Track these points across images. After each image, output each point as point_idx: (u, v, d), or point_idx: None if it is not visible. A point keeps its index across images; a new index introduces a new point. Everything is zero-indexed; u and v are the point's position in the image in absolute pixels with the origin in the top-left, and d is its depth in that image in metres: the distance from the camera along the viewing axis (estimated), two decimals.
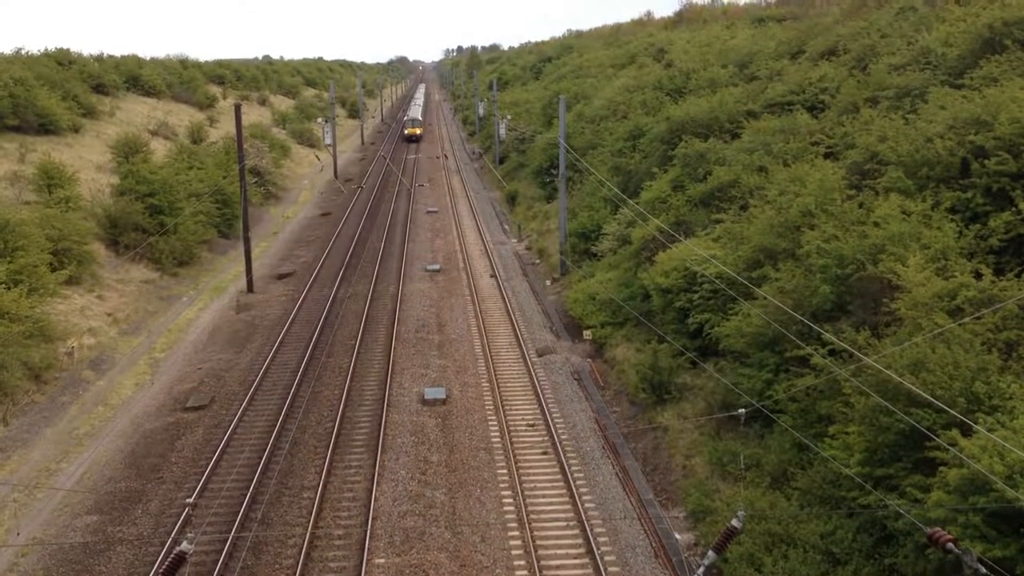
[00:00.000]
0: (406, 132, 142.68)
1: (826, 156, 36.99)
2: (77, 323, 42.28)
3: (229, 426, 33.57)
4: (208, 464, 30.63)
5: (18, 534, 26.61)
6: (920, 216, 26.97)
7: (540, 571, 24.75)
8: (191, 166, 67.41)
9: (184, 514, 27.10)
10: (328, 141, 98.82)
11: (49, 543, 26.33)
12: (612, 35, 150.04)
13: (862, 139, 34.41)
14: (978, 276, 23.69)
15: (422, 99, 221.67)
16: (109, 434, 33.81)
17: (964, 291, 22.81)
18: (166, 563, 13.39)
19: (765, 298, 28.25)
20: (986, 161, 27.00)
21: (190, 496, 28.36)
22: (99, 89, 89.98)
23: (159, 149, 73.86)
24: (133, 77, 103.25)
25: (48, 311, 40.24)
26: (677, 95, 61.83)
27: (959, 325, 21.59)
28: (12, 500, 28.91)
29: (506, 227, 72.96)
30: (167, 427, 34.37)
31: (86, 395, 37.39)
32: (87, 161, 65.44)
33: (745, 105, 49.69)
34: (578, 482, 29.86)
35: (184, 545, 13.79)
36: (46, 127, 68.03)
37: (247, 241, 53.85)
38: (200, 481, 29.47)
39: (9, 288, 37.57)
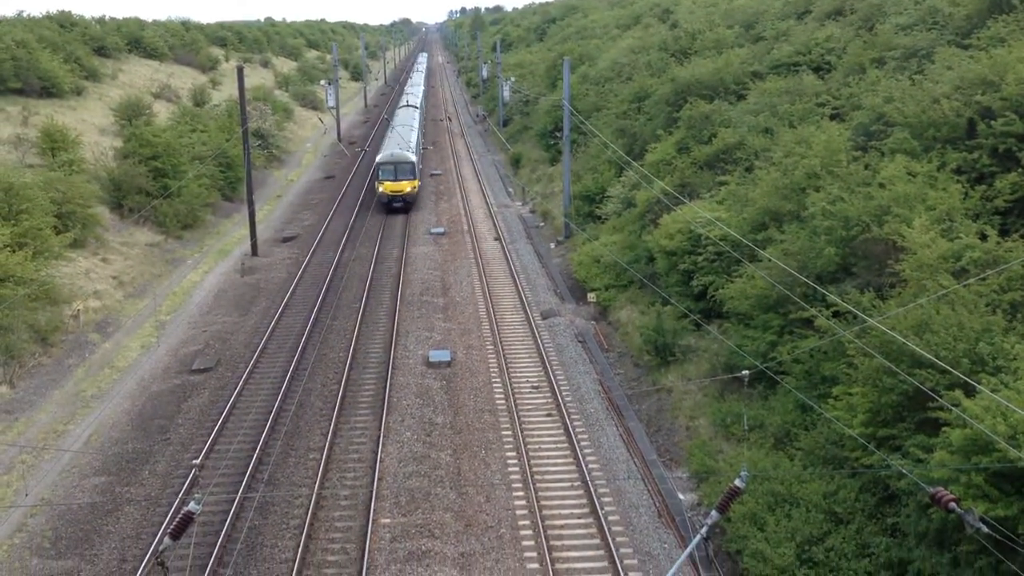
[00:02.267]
0: (382, 189, 63.79)
1: (832, 117, 36.80)
2: (82, 286, 42.36)
3: (235, 388, 33.73)
4: (214, 426, 30.81)
5: (26, 495, 26.83)
6: (926, 177, 26.87)
7: (544, 531, 24.95)
8: (194, 129, 67.24)
9: (191, 475, 27.33)
10: (331, 103, 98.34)
11: (57, 504, 26.56)
12: None
13: (868, 100, 34.21)
14: (983, 237, 23.63)
15: (422, 83, 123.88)
16: (116, 396, 34.00)
17: (969, 252, 22.77)
18: (174, 523, 13.49)
19: (770, 260, 28.23)
20: (992, 122, 26.85)
21: (197, 457, 28.56)
22: (101, 52, 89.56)
23: (162, 112, 73.64)
24: (135, 39, 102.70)
25: (53, 274, 40.33)
26: (682, 56, 61.37)
27: (964, 286, 21.57)
28: (20, 461, 29.13)
29: (510, 190, 72.80)
30: (173, 389, 34.54)
31: (92, 357, 37.54)
32: (90, 124, 65.26)
33: (751, 66, 49.37)
34: (582, 443, 30.02)
35: (192, 505, 13.87)
36: (48, 90, 67.80)
37: (251, 204, 53.80)
38: (207, 442, 29.66)
39: (14, 251, 37.61)
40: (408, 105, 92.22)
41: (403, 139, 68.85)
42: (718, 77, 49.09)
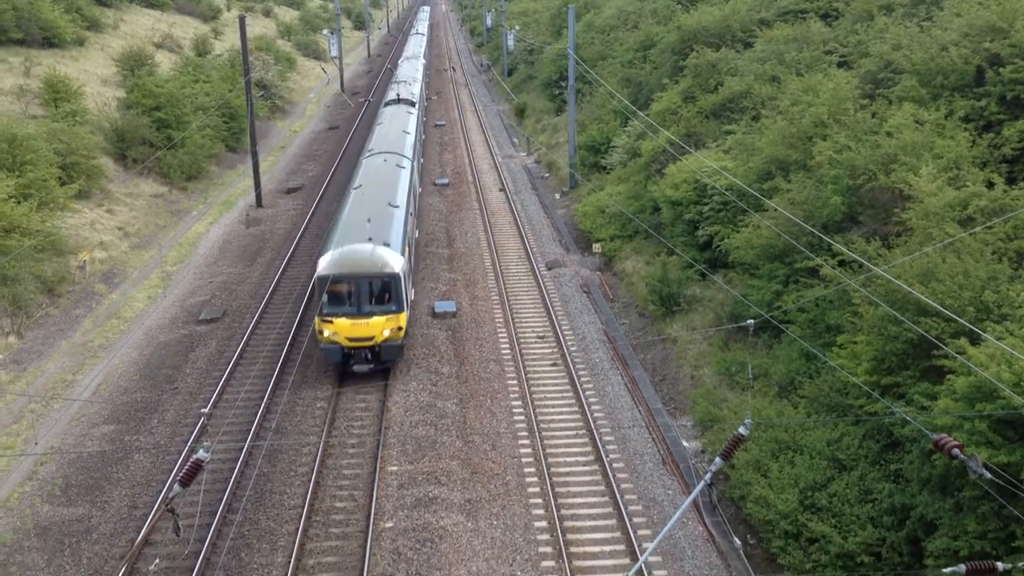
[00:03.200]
0: (328, 333, 30.12)
1: (839, 65, 36.53)
2: (88, 237, 42.39)
3: (242, 338, 33.87)
4: (222, 375, 31.00)
5: (36, 443, 27.08)
6: (933, 125, 26.74)
7: (550, 478, 25.20)
8: (197, 79, 66.75)
9: (200, 423, 27.54)
10: (334, 53, 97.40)
11: (67, 452, 26.83)
12: None
13: (876, 47, 33.95)
14: (990, 185, 23.60)
15: (422, 54, 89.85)
16: (123, 346, 34.17)
17: (976, 200, 22.76)
18: (183, 470, 13.65)
19: (775, 210, 28.18)
20: (1001, 69, 26.66)
21: (205, 406, 28.76)
22: (102, 1, 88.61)
23: (164, 62, 73.10)
24: None
25: (59, 225, 40.32)
26: (689, 3, 60.77)
27: (970, 234, 21.56)
28: (29, 411, 29.37)
29: (515, 140, 72.45)
30: (181, 339, 34.70)
31: (99, 308, 37.68)
32: (92, 75, 64.83)
33: (758, 13, 48.90)
34: (587, 392, 30.21)
35: (201, 453, 14.03)
36: (50, 40, 67.22)
37: (255, 155, 53.64)
38: (215, 392, 29.87)
39: (19, 202, 37.61)
40: (399, 100, 56.92)
41: (380, 206, 34.96)
42: (725, 25, 48.64)
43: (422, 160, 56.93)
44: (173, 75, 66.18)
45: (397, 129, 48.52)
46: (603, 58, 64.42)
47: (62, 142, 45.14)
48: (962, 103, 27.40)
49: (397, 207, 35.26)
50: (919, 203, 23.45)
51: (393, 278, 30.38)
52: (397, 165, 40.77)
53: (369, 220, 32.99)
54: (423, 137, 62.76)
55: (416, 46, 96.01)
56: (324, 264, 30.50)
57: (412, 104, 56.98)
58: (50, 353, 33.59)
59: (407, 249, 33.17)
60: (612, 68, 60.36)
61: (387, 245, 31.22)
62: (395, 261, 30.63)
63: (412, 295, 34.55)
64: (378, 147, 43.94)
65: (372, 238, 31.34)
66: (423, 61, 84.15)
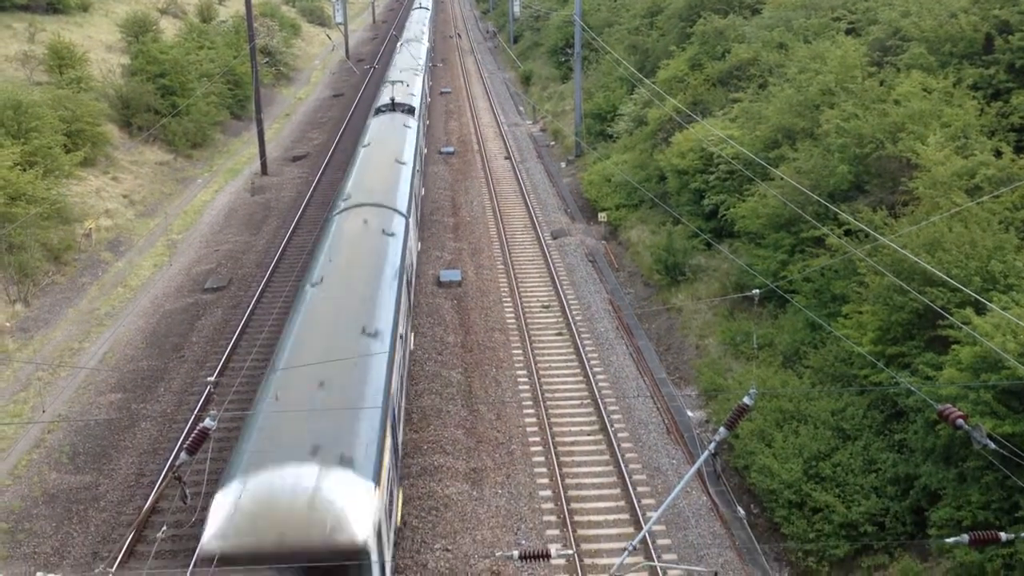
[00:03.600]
0: None
1: (848, 32, 36.24)
2: (93, 205, 42.36)
3: (248, 307, 33.91)
4: (228, 344, 31.07)
5: (43, 411, 27.20)
6: (941, 93, 26.56)
7: (555, 447, 25.30)
8: (201, 46, 66.40)
9: (206, 392, 27.64)
10: (339, 19, 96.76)
11: (74, 420, 26.97)
12: None
13: (885, 14, 33.68)
14: (998, 154, 23.47)
15: (424, 42, 71.80)
16: (130, 314, 34.25)
17: (983, 169, 22.64)
18: (190, 439, 13.69)
19: (782, 179, 28.07)
20: (1010, 36, 26.46)
21: (212, 375, 28.86)
22: None
23: (169, 28, 72.70)
24: None
25: (64, 193, 40.28)
26: None
27: (977, 204, 21.47)
28: (36, 378, 29.49)
29: (521, 108, 72.10)
30: (187, 308, 34.76)
31: (105, 276, 37.74)
32: (97, 41, 64.52)
33: None
34: (592, 362, 30.26)
35: (207, 421, 14.04)
36: (54, 6, 66.79)
37: (260, 123, 53.44)
38: (221, 360, 29.96)
39: (25, 170, 37.56)
40: (394, 106, 41.85)
41: (347, 342, 19.19)
42: None
43: (423, 191, 42.30)
44: (177, 41, 65.81)
45: (388, 159, 34.00)
46: (609, 25, 63.97)
47: (67, 109, 45.00)
48: (970, 71, 27.21)
49: (377, 336, 19.90)
50: (926, 172, 23.34)
51: (354, 556, 14.31)
52: (384, 232, 26.16)
53: (322, 385, 17.39)
54: (424, 151, 47.28)
55: (418, 24, 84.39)
56: (216, 524, 14.63)
57: (411, 112, 41.89)
58: (56, 321, 33.69)
59: (389, 443, 17.53)
60: (619, 35, 59.94)
61: (349, 465, 15.37)
62: (359, 513, 14.72)
63: (397, 520, 19.39)
64: (358, 194, 29.31)
65: (318, 448, 15.57)
66: (427, 45, 70.47)
